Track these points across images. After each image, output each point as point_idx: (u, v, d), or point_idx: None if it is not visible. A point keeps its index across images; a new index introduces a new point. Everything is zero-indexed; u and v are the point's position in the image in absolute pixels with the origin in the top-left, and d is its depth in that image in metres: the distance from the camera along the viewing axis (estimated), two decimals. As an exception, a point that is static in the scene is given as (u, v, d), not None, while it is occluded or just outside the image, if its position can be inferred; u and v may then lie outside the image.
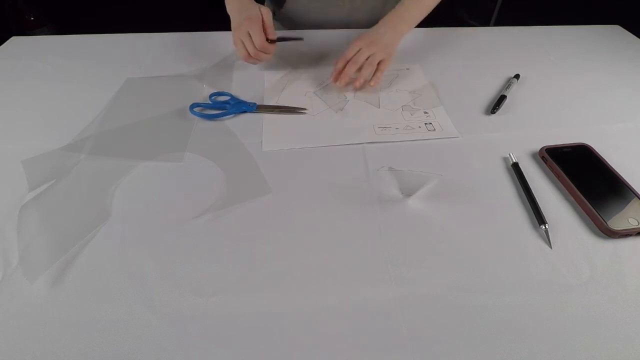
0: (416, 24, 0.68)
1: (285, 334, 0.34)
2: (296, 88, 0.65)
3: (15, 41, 0.77)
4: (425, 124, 0.57)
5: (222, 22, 0.69)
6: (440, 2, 0.72)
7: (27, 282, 0.37)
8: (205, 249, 0.40)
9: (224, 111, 0.58)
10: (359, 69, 0.60)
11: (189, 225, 0.42)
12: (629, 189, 0.45)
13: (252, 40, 0.60)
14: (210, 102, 0.60)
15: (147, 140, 0.54)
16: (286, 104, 0.61)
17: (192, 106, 0.58)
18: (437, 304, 0.36)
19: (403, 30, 0.65)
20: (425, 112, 0.59)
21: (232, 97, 0.61)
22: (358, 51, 0.60)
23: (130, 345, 0.33)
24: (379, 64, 0.61)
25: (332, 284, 0.37)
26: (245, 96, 0.62)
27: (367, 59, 0.60)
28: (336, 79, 0.61)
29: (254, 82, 0.66)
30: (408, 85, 0.66)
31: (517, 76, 0.66)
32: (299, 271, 0.38)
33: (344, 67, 0.61)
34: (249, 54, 0.61)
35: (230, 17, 0.65)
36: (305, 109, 0.60)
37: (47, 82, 0.65)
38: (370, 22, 0.68)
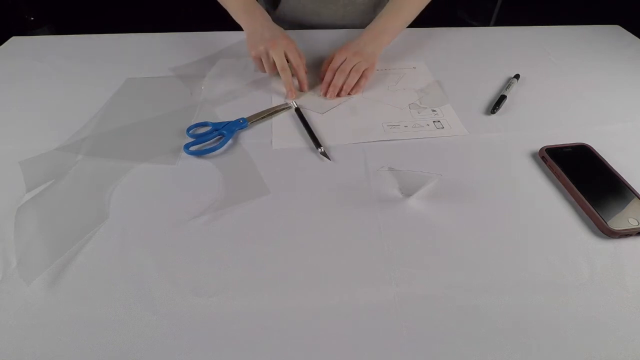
0: (398, 34, 0.70)
1: (285, 334, 0.34)
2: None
3: (15, 41, 0.77)
4: (434, 121, 0.58)
5: (222, 22, 0.69)
6: (438, 4, 0.72)
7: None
8: (205, 249, 0.40)
9: (220, 138, 0.53)
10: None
11: (189, 226, 0.42)
12: (629, 189, 0.45)
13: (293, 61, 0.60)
14: (195, 138, 0.53)
15: (147, 140, 0.54)
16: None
17: (187, 146, 0.51)
18: (437, 304, 0.36)
19: (384, 40, 0.67)
20: (434, 110, 0.60)
21: (214, 124, 0.55)
22: (343, 61, 0.62)
23: (130, 345, 0.33)
24: (363, 72, 0.62)
25: (332, 284, 0.37)
26: (228, 113, 0.58)
27: (352, 67, 0.61)
28: (326, 92, 0.62)
29: (236, 93, 0.63)
30: (415, 84, 0.66)
31: (517, 76, 0.66)
32: (299, 271, 0.38)
33: (332, 78, 0.61)
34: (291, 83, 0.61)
35: (251, 26, 0.64)
36: (287, 104, 0.60)
37: (47, 82, 0.65)
38: (363, 24, 0.69)
